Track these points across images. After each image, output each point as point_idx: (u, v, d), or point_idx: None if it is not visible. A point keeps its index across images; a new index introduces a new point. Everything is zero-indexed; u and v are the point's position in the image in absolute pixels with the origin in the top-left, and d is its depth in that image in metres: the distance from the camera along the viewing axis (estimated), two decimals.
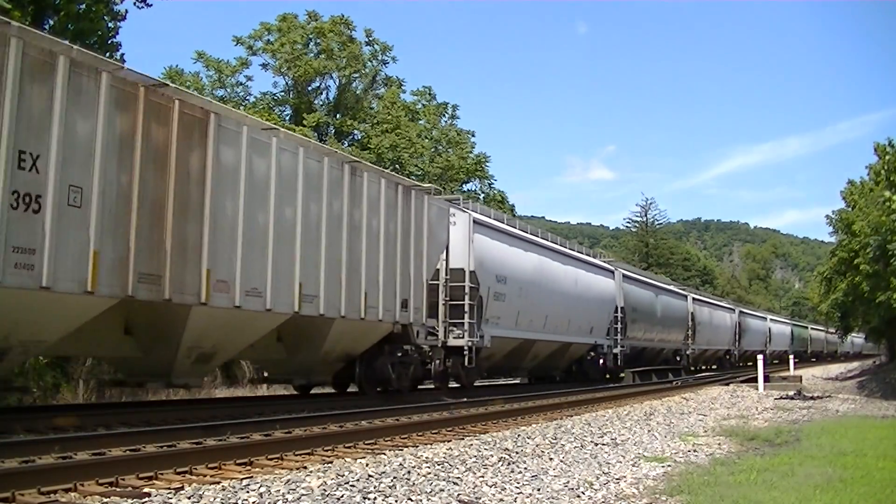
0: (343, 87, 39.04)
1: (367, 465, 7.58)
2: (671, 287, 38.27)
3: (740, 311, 49.94)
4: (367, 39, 38.89)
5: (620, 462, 8.73)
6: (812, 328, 76.22)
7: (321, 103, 38.73)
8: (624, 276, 29.28)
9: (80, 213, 8.63)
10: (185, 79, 34.23)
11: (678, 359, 36.48)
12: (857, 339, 70.82)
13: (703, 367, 44.14)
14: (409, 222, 15.00)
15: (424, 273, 15.47)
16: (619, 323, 27.65)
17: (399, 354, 15.27)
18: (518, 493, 6.60)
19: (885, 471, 8.23)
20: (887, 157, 27.98)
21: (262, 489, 6.13)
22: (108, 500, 5.79)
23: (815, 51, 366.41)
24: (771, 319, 59.53)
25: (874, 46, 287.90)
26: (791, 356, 40.90)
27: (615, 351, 27.47)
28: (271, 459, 7.80)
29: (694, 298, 38.82)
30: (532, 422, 12.76)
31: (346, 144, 35.92)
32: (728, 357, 47.00)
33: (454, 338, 16.97)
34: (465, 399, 15.59)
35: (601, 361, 26.84)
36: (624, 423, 12.98)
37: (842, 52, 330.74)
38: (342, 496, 6.04)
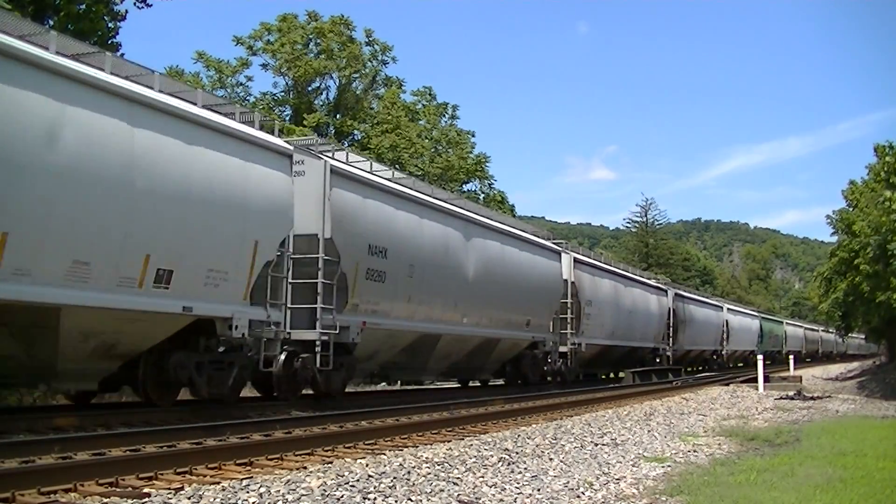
0: (343, 87, 39.08)
1: (367, 465, 7.59)
2: (523, 233, 21.11)
3: (677, 295, 34.63)
4: (367, 39, 38.98)
5: (620, 462, 8.72)
6: (788, 324, 63.64)
7: (321, 103, 38.78)
8: (334, 176, 13.17)
9: None
10: (186, 79, 34.25)
11: (549, 360, 21.90)
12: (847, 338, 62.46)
13: (604, 377, 29.26)
14: None
15: None
16: (337, 280, 13.00)
17: None
18: (518, 494, 6.60)
19: (885, 471, 8.23)
20: (887, 159, 28.04)
21: (262, 489, 6.13)
22: (108, 500, 5.80)
23: (816, 51, 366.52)
24: (729, 310, 44.90)
25: (874, 46, 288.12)
26: (791, 357, 39.77)
27: (324, 339, 12.82)
28: (271, 460, 7.81)
29: (577, 259, 23.78)
30: (532, 422, 12.77)
31: (347, 144, 35.91)
32: (657, 360, 31.49)
33: None
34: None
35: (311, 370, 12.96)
36: (624, 423, 12.98)
37: (842, 52, 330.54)
38: (342, 496, 6.05)
